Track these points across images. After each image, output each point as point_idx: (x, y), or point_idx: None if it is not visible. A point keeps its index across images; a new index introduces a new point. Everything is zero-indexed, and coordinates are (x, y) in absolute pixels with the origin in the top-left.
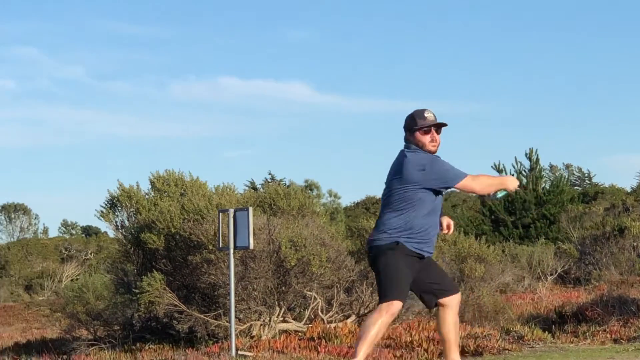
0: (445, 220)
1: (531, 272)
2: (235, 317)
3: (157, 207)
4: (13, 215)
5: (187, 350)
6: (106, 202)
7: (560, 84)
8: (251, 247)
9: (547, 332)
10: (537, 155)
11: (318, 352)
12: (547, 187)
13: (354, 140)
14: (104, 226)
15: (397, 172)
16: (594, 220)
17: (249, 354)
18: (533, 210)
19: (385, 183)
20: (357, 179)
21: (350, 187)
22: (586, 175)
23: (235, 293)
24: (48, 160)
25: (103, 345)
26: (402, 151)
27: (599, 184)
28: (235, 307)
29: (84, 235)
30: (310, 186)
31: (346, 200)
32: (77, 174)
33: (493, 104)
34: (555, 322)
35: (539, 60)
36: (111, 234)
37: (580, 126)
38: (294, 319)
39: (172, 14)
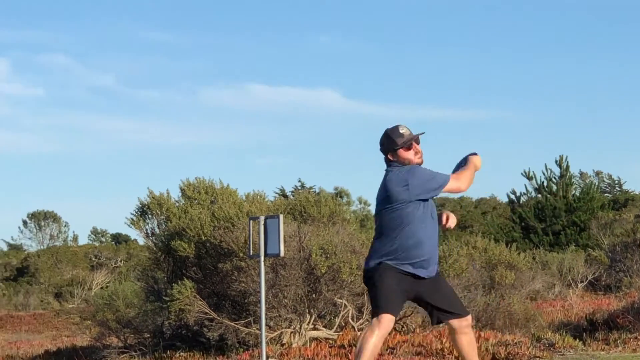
0: (445, 214)
1: (561, 279)
2: (266, 325)
3: (187, 214)
4: (43, 223)
5: (217, 358)
6: (136, 210)
7: (591, 91)
8: (282, 254)
9: (578, 340)
10: (567, 162)
11: None
12: (578, 194)
13: None
14: (134, 234)
15: (383, 196)
16: (625, 227)
17: None
18: (563, 217)
19: (375, 211)
20: None
21: None
22: (616, 182)
23: (266, 300)
24: (78, 168)
25: (133, 353)
26: (385, 174)
27: (630, 190)
28: (266, 314)
29: (113, 242)
30: (340, 193)
31: None
32: (107, 182)
33: (523, 111)
34: (586, 329)
35: (569, 66)
36: (141, 241)
37: (611, 133)
38: (325, 327)
39: (201, 21)
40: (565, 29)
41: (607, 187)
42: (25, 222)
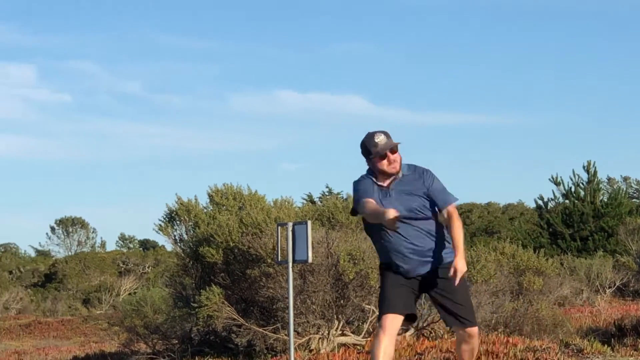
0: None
1: (589, 285)
2: (294, 331)
3: (215, 220)
4: (71, 229)
5: None
6: (165, 216)
7: (619, 95)
8: (310, 260)
9: (606, 346)
10: (595, 167)
11: None
12: (605, 200)
13: (411, 152)
14: (161, 240)
15: None
16: None
17: None
18: (591, 223)
19: None
20: None
21: None
22: None
23: (294, 306)
24: (106, 174)
25: (162, 359)
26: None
27: None
28: (294, 320)
29: (141, 249)
30: None
31: None
32: (135, 188)
33: (551, 116)
34: (615, 335)
35: (596, 72)
36: (169, 247)
37: (639, 138)
38: (353, 332)
39: (229, 28)
40: (593, 33)
41: (634, 193)
42: (53, 229)
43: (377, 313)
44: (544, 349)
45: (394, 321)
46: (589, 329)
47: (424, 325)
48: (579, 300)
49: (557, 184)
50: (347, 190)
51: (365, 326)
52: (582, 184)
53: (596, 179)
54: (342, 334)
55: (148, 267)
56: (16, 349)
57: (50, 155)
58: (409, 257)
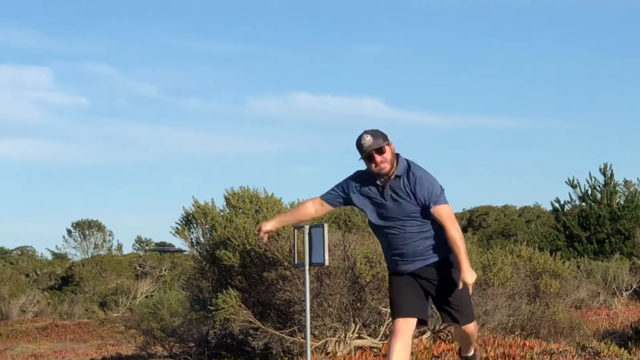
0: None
1: (606, 287)
2: (311, 334)
3: (232, 223)
4: (87, 232)
5: None
6: (181, 219)
7: (636, 98)
8: (326, 263)
9: (623, 348)
10: (612, 170)
11: None
12: (622, 202)
13: (427, 155)
14: (178, 243)
15: None
16: None
17: None
18: (607, 226)
19: None
20: None
21: None
22: None
23: (311, 309)
24: (122, 177)
25: None
26: None
27: None
28: (311, 323)
29: (158, 251)
30: None
31: None
32: (151, 191)
33: (567, 119)
34: (632, 338)
35: (611, 74)
36: (186, 250)
37: None
38: (370, 335)
39: (245, 31)
40: (611, 34)
41: None
42: (69, 232)
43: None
44: (560, 352)
45: (405, 325)
46: (606, 332)
47: (441, 327)
48: (595, 303)
49: (573, 186)
50: None
51: (382, 329)
52: (599, 186)
53: (613, 182)
54: (359, 337)
55: (165, 270)
56: (33, 352)
57: (67, 158)
58: (402, 258)
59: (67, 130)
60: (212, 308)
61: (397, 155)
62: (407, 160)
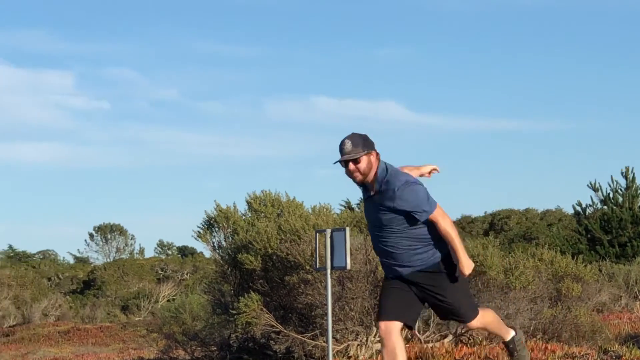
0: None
1: (628, 291)
2: (333, 338)
3: (254, 227)
4: (109, 236)
5: None
6: (203, 223)
7: None
8: (348, 267)
9: None
10: (633, 173)
11: None
12: None
13: (448, 158)
14: (200, 247)
15: None
16: None
17: None
18: (629, 229)
19: None
20: (451, 198)
21: (445, 206)
22: None
23: (333, 313)
24: (144, 181)
25: None
26: None
27: None
28: (333, 327)
29: (179, 255)
30: None
31: None
32: (173, 195)
33: (589, 122)
34: None
35: (635, 76)
36: (207, 254)
37: None
38: None
39: (265, 34)
40: (632, 36)
41: None
42: (91, 235)
43: None
44: (582, 355)
45: (386, 327)
46: (628, 336)
47: (463, 331)
48: (617, 306)
49: (595, 190)
50: None
51: (404, 333)
52: (621, 190)
53: (634, 185)
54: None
55: (186, 274)
56: (55, 356)
57: (89, 162)
58: (392, 262)
59: (89, 134)
60: (234, 312)
61: (384, 164)
62: (389, 169)
